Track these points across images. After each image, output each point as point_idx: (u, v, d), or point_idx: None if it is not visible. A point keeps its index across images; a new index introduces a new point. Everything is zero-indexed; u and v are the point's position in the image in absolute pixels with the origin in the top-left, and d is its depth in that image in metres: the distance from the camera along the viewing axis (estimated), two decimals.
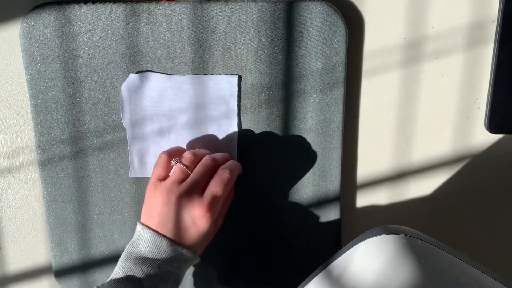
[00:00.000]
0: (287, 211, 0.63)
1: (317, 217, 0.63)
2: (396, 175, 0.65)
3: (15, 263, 0.68)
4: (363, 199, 0.65)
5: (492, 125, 0.61)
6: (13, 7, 0.60)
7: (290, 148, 0.61)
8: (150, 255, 0.54)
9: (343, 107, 0.60)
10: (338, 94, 0.59)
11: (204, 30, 0.58)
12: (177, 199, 0.54)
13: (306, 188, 0.62)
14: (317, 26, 0.58)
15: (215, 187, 0.55)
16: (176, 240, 0.55)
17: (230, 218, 0.63)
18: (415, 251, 0.46)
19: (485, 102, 0.61)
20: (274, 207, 0.63)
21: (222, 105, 0.60)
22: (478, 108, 0.62)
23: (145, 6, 0.58)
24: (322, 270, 0.51)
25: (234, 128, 0.61)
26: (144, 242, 0.55)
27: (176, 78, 0.60)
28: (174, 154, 0.59)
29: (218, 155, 0.59)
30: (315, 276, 0.51)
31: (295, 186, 0.62)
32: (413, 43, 0.60)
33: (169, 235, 0.55)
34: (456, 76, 0.61)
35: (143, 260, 0.54)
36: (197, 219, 0.54)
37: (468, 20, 0.59)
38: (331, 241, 0.63)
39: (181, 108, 0.60)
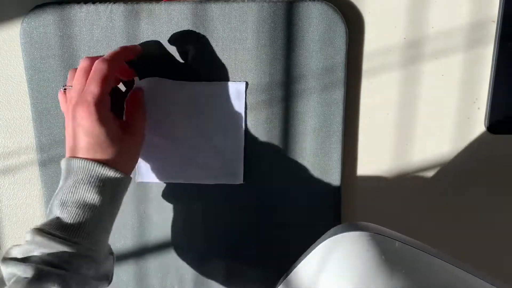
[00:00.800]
0: (286, 212, 0.63)
1: (317, 218, 0.63)
2: (396, 175, 0.65)
3: None
4: (363, 200, 0.65)
5: (492, 125, 0.61)
6: (13, 7, 0.60)
7: (290, 148, 0.61)
8: (64, 184, 0.51)
9: (343, 107, 0.60)
10: (338, 94, 0.59)
11: (204, 30, 0.58)
12: (65, 115, 0.53)
13: (306, 188, 0.62)
14: (317, 26, 0.58)
15: (88, 83, 0.52)
16: (76, 155, 0.52)
17: (227, 220, 0.63)
18: (378, 247, 0.45)
19: (485, 102, 0.61)
20: (274, 208, 0.63)
21: (229, 110, 0.60)
22: (478, 108, 0.62)
23: (145, 6, 0.58)
24: (288, 274, 0.51)
25: (241, 133, 0.61)
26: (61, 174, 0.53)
27: (185, 85, 0.60)
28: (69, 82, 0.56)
29: (104, 57, 0.54)
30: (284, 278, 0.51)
31: (295, 186, 0.62)
32: (413, 43, 0.60)
33: (73, 154, 0.52)
34: (456, 76, 0.61)
35: (58, 191, 0.51)
36: (79, 119, 0.51)
37: (468, 20, 0.59)
38: None
39: (188, 113, 0.60)
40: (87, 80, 0.52)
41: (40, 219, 0.66)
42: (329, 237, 0.48)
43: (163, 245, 0.65)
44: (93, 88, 0.51)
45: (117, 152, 0.52)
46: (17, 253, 0.47)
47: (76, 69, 0.54)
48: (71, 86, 0.54)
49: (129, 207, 0.64)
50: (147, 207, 0.64)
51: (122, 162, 0.53)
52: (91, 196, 0.50)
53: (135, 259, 0.65)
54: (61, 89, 0.56)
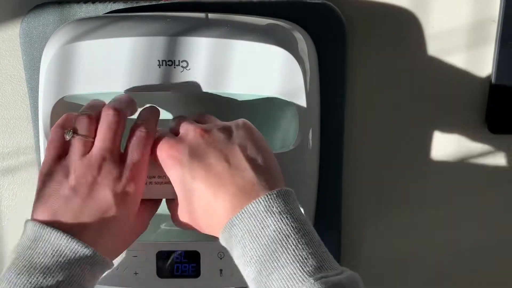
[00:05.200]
0: None
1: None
2: (396, 175, 0.65)
3: None
4: (362, 202, 0.65)
5: (493, 125, 0.61)
6: (12, 7, 0.59)
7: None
8: (34, 257, 0.42)
9: (343, 108, 0.60)
10: (339, 94, 0.59)
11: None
12: (90, 180, 0.45)
13: None
14: (317, 26, 0.57)
15: (132, 152, 0.47)
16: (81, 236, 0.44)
17: None
18: None
19: (486, 101, 0.61)
20: None
21: None
22: (479, 107, 0.62)
23: (144, 6, 0.58)
24: None
25: None
26: (27, 239, 0.43)
27: None
28: (68, 122, 0.49)
29: (120, 102, 0.49)
30: None
31: None
32: (413, 43, 0.60)
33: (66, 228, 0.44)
34: (456, 75, 0.61)
35: (25, 266, 0.42)
36: (119, 199, 0.45)
37: (469, 20, 0.59)
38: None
39: None
40: (130, 144, 0.47)
41: None
42: None
43: None
44: (135, 156, 0.46)
45: (122, 233, 0.47)
46: None
47: (89, 116, 0.48)
48: (87, 137, 0.47)
49: None
50: None
51: (116, 243, 0.47)
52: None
53: None
54: (65, 134, 0.47)
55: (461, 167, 0.64)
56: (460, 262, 0.68)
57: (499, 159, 0.64)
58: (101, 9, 0.58)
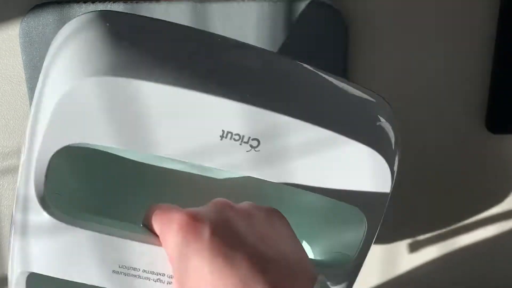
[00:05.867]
0: None
1: None
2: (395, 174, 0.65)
3: None
4: None
5: (492, 125, 0.61)
6: (12, 7, 0.60)
7: None
8: None
9: None
10: None
11: (204, 29, 0.58)
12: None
13: None
14: (317, 26, 0.57)
15: None
16: None
17: None
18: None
19: (485, 101, 0.61)
20: None
21: None
22: (478, 108, 0.62)
23: (144, 6, 0.58)
24: None
25: None
26: None
27: None
28: None
29: None
30: None
31: None
32: (413, 44, 0.60)
33: None
34: (455, 75, 0.61)
35: None
36: None
37: (468, 19, 0.59)
38: None
39: None
40: None
41: None
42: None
43: None
44: None
45: None
46: None
47: None
48: None
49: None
50: None
51: None
52: None
53: None
54: None
55: (460, 167, 0.64)
56: (461, 264, 0.68)
57: (499, 159, 0.64)
58: (101, 9, 0.58)
